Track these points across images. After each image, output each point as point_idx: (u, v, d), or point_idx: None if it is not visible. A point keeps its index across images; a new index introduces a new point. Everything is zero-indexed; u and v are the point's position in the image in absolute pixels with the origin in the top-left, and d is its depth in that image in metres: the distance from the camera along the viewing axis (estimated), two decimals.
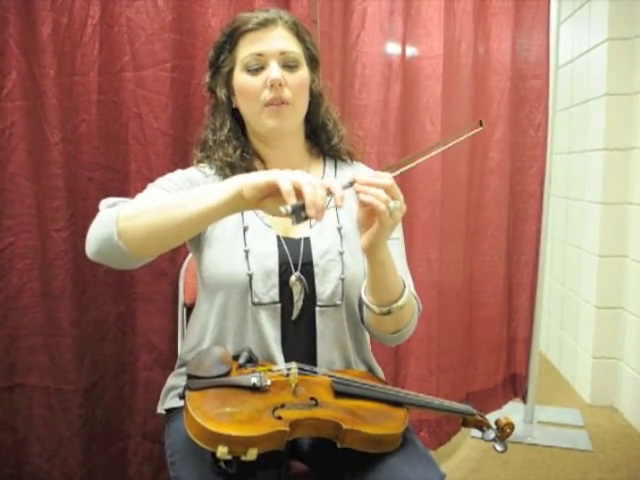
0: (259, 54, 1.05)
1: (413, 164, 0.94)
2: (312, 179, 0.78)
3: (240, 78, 1.07)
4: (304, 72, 1.09)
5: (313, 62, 1.13)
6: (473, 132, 1.03)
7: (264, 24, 1.05)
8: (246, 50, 1.06)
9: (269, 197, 0.80)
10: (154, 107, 1.43)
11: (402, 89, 1.71)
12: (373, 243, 0.91)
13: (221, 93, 1.11)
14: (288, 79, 1.05)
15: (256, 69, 1.05)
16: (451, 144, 1.01)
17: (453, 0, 1.78)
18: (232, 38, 1.08)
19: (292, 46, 1.07)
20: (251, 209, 0.86)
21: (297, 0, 1.51)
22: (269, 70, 1.04)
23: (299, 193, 0.76)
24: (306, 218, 0.76)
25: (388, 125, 1.71)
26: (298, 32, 1.10)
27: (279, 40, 1.06)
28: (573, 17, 2.85)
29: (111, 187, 1.41)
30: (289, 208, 0.75)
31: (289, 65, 1.06)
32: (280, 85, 1.03)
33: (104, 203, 0.97)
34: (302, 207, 0.76)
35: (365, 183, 0.86)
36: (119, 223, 0.88)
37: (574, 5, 2.81)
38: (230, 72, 1.09)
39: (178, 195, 0.99)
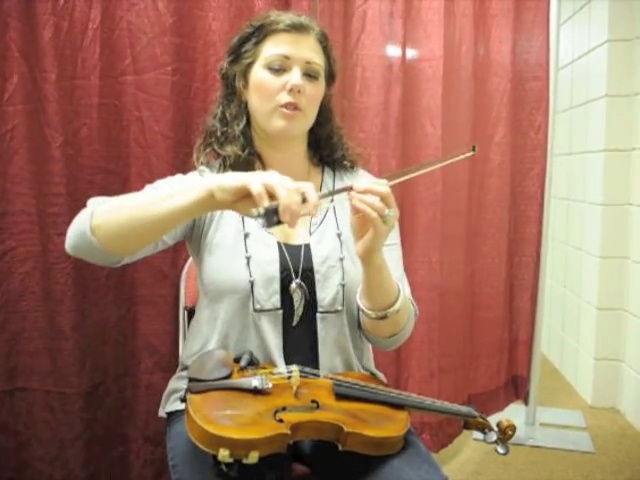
0: (286, 56, 1.04)
1: (408, 176, 0.96)
2: (286, 181, 0.77)
3: (261, 74, 1.06)
4: (321, 85, 1.10)
5: (331, 78, 1.14)
6: (465, 155, 1.05)
7: (297, 29, 1.05)
8: (273, 49, 1.05)
9: (243, 198, 0.80)
10: (155, 110, 1.43)
11: (402, 91, 1.71)
12: (369, 249, 0.92)
13: (239, 83, 1.10)
14: (306, 88, 1.05)
15: (278, 69, 1.05)
16: (445, 164, 1.06)
17: (453, 2, 1.79)
18: (261, 32, 1.07)
19: (318, 58, 1.08)
20: (225, 209, 0.86)
21: (297, 2, 1.52)
22: (291, 75, 1.04)
23: (272, 196, 0.75)
24: (279, 222, 0.73)
25: (389, 127, 1.71)
26: (326, 45, 1.11)
27: (308, 49, 1.06)
28: (573, 18, 2.85)
29: (112, 190, 1.40)
30: (261, 210, 0.73)
31: (310, 75, 1.06)
32: (299, 92, 1.04)
33: (91, 201, 0.98)
34: (275, 211, 0.73)
35: (362, 190, 0.86)
36: (93, 220, 0.90)
37: (574, 6, 2.82)
38: (250, 65, 1.08)
39: (153, 193, 1.00)
